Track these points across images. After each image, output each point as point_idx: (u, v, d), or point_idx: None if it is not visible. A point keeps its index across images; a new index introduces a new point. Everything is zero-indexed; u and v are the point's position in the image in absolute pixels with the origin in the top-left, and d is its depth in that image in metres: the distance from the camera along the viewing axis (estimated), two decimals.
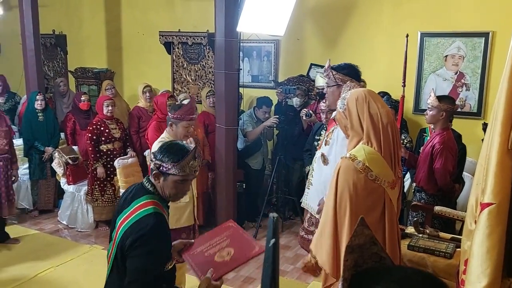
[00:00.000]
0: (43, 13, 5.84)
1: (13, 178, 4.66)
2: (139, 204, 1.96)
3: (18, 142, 5.43)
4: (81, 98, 5.49)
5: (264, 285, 1.19)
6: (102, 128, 4.93)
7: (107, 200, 5.02)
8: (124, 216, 1.96)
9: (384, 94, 4.69)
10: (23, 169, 5.39)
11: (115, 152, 4.99)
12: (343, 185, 2.11)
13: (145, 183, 2.05)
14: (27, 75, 5.85)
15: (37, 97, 5.30)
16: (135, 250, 1.84)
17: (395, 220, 2.23)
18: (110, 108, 4.94)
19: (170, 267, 2.08)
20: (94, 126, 4.90)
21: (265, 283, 1.17)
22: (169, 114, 3.41)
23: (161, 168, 1.96)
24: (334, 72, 2.89)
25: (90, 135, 4.87)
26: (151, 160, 2.03)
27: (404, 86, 3.86)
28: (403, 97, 3.90)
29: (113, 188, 5.04)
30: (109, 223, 5.01)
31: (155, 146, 3.28)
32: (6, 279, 4.01)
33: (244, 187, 5.03)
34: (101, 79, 6.74)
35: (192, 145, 2.08)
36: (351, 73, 2.90)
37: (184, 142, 3.22)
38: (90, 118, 5.41)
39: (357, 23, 5.23)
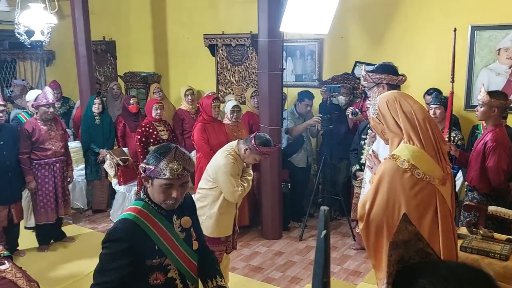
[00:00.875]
0: (93, 21, 6.10)
1: (69, 179, 4.90)
2: (125, 210, 2.00)
3: (72, 144, 5.71)
4: (130, 101, 5.69)
5: (316, 275, 1.23)
6: (150, 130, 5.08)
7: None
8: None
9: (433, 90, 4.55)
10: (77, 170, 5.66)
11: None
12: (389, 187, 2.06)
13: (143, 189, 2.01)
14: (80, 81, 6.12)
15: (95, 101, 5.55)
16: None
17: (450, 218, 2.15)
18: (158, 111, 5.09)
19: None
20: (143, 128, 5.06)
21: (317, 272, 1.22)
22: (254, 142, 3.23)
23: (146, 171, 1.90)
24: (371, 74, 2.95)
25: (139, 137, 5.03)
26: None
27: (453, 82, 3.73)
28: (452, 93, 3.77)
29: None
30: None
31: (224, 160, 3.25)
32: (63, 276, 4.23)
33: (289, 187, 5.02)
34: (148, 83, 6.96)
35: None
36: (386, 70, 2.95)
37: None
38: (139, 120, 5.59)
39: (404, 18, 5.09)
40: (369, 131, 4.35)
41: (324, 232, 1.18)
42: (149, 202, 1.95)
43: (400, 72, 3.08)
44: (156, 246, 1.90)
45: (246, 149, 3.29)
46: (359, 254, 4.53)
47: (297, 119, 5.29)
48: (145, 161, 1.92)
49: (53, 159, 4.63)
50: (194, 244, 2.07)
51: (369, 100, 4.20)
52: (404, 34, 5.10)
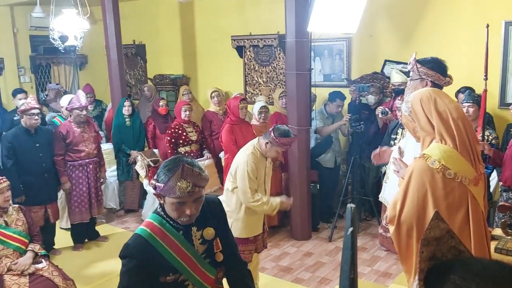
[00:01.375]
0: (124, 25, 6.23)
1: (101, 180, 5.02)
2: (143, 222, 1.94)
3: (104, 146, 5.86)
4: (159, 104, 5.80)
5: (343, 271, 1.25)
6: (180, 132, 5.15)
7: None
8: None
9: (466, 89, 4.45)
10: (110, 171, 5.80)
11: (192, 154, 5.19)
12: (419, 187, 2.02)
13: (160, 203, 1.90)
14: (111, 84, 6.26)
15: (125, 103, 5.67)
16: None
17: (482, 220, 2.10)
18: (187, 112, 5.17)
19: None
20: (173, 130, 5.14)
21: (344, 269, 1.24)
22: (273, 135, 3.24)
23: (156, 188, 1.79)
24: (418, 65, 2.78)
25: (169, 138, 5.11)
26: None
27: (486, 79, 3.63)
28: (485, 91, 3.66)
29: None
30: None
31: (245, 157, 3.28)
32: (97, 274, 4.34)
33: (318, 188, 5.00)
34: (178, 85, 7.07)
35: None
36: (436, 67, 2.77)
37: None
38: (168, 122, 5.68)
39: (434, 15, 4.99)
40: (399, 130, 4.29)
41: (351, 229, 1.20)
42: (165, 217, 1.86)
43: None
44: (170, 263, 1.84)
45: (267, 143, 3.31)
46: (389, 255, 4.46)
47: (326, 119, 5.26)
48: (155, 177, 1.81)
49: (87, 160, 4.76)
50: (218, 256, 1.96)
51: (399, 99, 4.14)
52: (434, 31, 4.99)
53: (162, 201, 1.83)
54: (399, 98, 4.16)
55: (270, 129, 3.33)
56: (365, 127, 4.94)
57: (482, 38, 3.68)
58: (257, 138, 3.43)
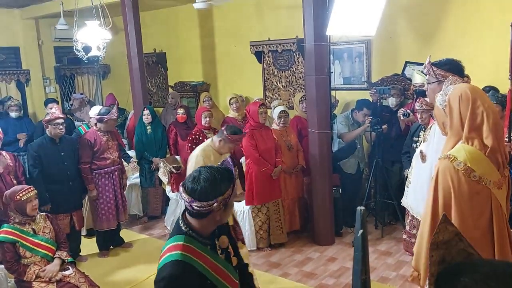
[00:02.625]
0: (145, 34, 6.34)
1: (124, 186, 5.11)
2: (168, 246, 1.78)
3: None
4: (178, 112, 5.86)
5: (355, 272, 1.26)
6: (200, 138, 5.19)
7: None
8: (158, 260, 1.80)
9: (490, 88, 4.35)
10: (133, 179, 5.88)
11: None
12: (444, 189, 1.99)
13: (179, 220, 1.82)
14: (133, 92, 6.37)
15: (144, 111, 5.74)
16: None
17: (505, 223, 2.05)
18: (207, 119, 5.21)
19: None
20: (194, 136, 5.18)
21: (356, 269, 1.24)
22: (226, 133, 3.71)
23: (208, 208, 1.72)
24: (434, 68, 2.75)
25: (190, 145, 5.15)
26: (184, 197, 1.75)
27: (511, 79, 3.55)
28: (510, 91, 3.58)
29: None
30: None
31: (196, 152, 3.70)
32: (122, 280, 4.39)
33: (340, 192, 4.95)
34: (198, 92, 7.14)
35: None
36: (452, 68, 2.73)
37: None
38: (190, 129, 5.72)
39: (455, 14, 4.91)
40: (420, 132, 4.22)
41: (361, 231, 1.20)
42: (191, 233, 1.79)
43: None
44: (208, 281, 1.80)
45: (220, 141, 3.74)
46: None
47: (351, 125, 5.21)
48: (181, 188, 1.78)
49: (112, 167, 4.85)
50: (233, 260, 1.96)
51: (418, 102, 4.08)
52: (456, 30, 4.91)
53: (201, 220, 1.78)
54: (418, 100, 4.10)
55: (223, 128, 3.78)
56: (387, 130, 4.88)
57: (505, 37, 3.61)
58: (210, 138, 3.88)
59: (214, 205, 1.72)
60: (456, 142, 2.08)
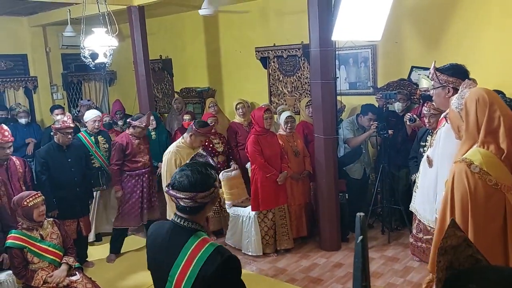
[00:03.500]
0: (151, 41, 6.38)
1: (154, 187, 5.25)
2: (195, 246, 1.71)
3: None
4: (184, 117, 5.88)
5: (355, 278, 1.26)
6: (206, 143, 5.21)
7: (213, 211, 5.27)
8: (181, 269, 1.71)
9: (497, 92, 4.33)
10: None
11: (219, 166, 5.23)
12: (461, 193, 1.96)
13: (182, 222, 1.76)
14: (139, 98, 6.41)
15: None
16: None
17: None
18: (213, 124, 5.22)
19: None
20: None
21: (356, 276, 1.26)
22: (194, 127, 4.02)
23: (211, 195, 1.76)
24: (438, 74, 2.78)
25: None
26: (205, 196, 1.74)
27: None
28: None
29: (218, 200, 5.28)
30: (215, 233, 5.27)
31: (170, 149, 4.07)
32: (129, 286, 4.40)
33: (346, 197, 4.94)
34: (204, 97, 7.16)
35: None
36: (456, 73, 2.76)
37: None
38: None
39: (461, 18, 4.90)
40: (428, 137, 4.21)
41: (360, 237, 1.21)
42: (200, 228, 1.82)
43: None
44: None
45: (191, 135, 4.08)
46: (422, 266, 4.35)
47: (357, 130, 5.20)
48: (170, 187, 1.79)
49: (143, 170, 5.00)
50: None
51: (426, 106, 4.07)
52: (462, 34, 4.90)
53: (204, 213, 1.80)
54: (425, 105, 4.09)
55: (192, 124, 4.08)
56: (393, 135, 4.87)
57: (511, 41, 3.60)
58: (182, 135, 4.21)
59: (213, 192, 1.74)
60: (471, 146, 2.06)
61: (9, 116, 6.75)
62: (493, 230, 1.98)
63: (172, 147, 4.17)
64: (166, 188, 1.76)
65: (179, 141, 4.19)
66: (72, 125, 4.56)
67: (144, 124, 4.93)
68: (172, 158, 4.04)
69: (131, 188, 4.93)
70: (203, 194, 1.72)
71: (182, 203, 1.73)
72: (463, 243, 1.07)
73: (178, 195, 1.71)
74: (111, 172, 4.94)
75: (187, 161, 1.90)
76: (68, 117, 4.62)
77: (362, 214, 1.23)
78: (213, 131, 5.24)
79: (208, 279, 1.65)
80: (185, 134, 4.12)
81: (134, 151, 4.90)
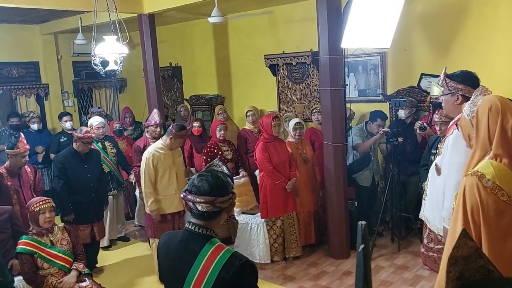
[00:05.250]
0: (161, 48, 6.43)
1: None
2: (210, 253, 1.69)
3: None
4: (194, 125, 5.91)
5: (357, 287, 1.24)
6: (215, 151, 5.22)
7: None
8: (197, 277, 1.68)
9: (509, 100, 4.29)
10: None
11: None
12: (472, 207, 1.87)
13: (197, 229, 1.74)
14: (149, 105, 6.44)
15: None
16: None
17: None
18: (222, 132, 5.24)
19: None
20: (209, 149, 5.22)
21: (358, 285, 1.23)
22: (173, 130, 4.28)
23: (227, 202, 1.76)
24: (448, 80, 2.76)
25: (205, 157, 5.19)
26: (223, 201, 1.73)
27: None
28: None
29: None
30: (224, 240, 5.26)
31: (148, 150, 4.35)
32: None
33: (355, 205, 4.91)
34: (213, 105, 7.18)
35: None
36: (466, 80, 2.74)
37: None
38: (205, 141, 5.76)
39: (471, 25, 4.88)
40: (439, 145, 4.18)
41: (362, 246, 1.19)
42: (215, 235, 1.81)
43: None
44: None
45: (170, 138, 4.31)
46: (433, 275, 4.30)
47: (366, 137, 5.18)
48: (187, 192, 1.78)
49: None
50: None
51: (437, 113, 4.04)
52: (472, 41, 4.88)
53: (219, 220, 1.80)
54: (437, 112, 4.06)
55: (170, 127, 4.34)
56: (403, 142, 4.84)
57: None
58: (161, 137, 4.45)
59: (231, 198, 1.74)
60: (482, 156, 1.98)
61: (20, 123, 6.81)
62: (508, 247, 1.90)
63: (151, 148, 4.39)
64: (183, 194, 1.76)
65: (158, 142, 4.42)
66: (94, 135, 4.64)
67: (155, 121, 5.03)
68: (150, 158, 4.29)
69: None
70: (222, 199, 1.72)
71: (199, 208, 1.71)
72: (474, 253, 1.05)
73: (196, 199, 1.70)
74: (134, 175, 5.10)
75: (203, 170, 1.89)
76: (92, 132, 4.71)
77: (363, 222, 1.22)
78: (221, 138, 5.25)
79: (226, 285, 1.64)
80: (164, 137, 4.39)
81: None
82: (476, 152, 2.00)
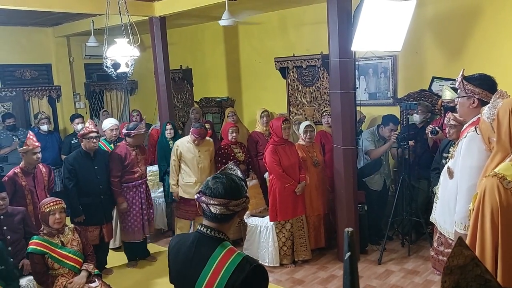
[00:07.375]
0: (171, 51, 6.47)
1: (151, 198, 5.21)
2: (222, 256, 1.68)
3: (153, 168, 6.06)
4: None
5: None
6: (228, 152, 5.24)
7: None
8: (208, 280, 1.68)
9: None
10: (159, 193, 5.93)
11: None
12: (492, 209, 1.86)
13: (209, 232, 1.72)
14: (160, 107, 6.48)
15: (167, 126, 5.81)
16: None
17: None
18: (234, 134, 5.26)
19: None
20: (222, 151, 5.24)
21: None
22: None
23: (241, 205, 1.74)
24: (465, 83, 2.69)
25: (219, 158, 5.21)
26: (234, 204, 1.70)
27: None
28: None
29: None
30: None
31: (176, 142, 5.17)
32: None
33: (365, 209, 4.88)
34: (223, 107, 7.20)
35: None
36: (483, 84, 2.66)
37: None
38: (214, 144, 5.76)
39: (483, 29, 4.84)
40: (450, 148, 4.14)
41: (348, 254, 1.17)
42: (227, 238, 1.79)
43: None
44: None
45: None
46: None
47: (377, 141, 5.15)
48: (201, 194, 1.76)
49: (140, 181, 4.94)
50: None
51: (446, 117, 4.01)
52: (484, 44, 4.84)
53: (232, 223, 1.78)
54: (447, 114, 4.03)
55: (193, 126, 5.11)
56: (414, 146, 4.80)
57: None
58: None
59: (245, 202, 1.73)
60: (502, 158, 1.96)
61: (16, 123, 6.76)
62: None
63: (179, 141, 5.23)
64: (197, 195, 1.75)
65: (187, 137, 5.19)
66: (94, 129, 4.62)
67: (143, 130, 4.95)
68: (176, 148, 5.12)
69: (130, 200, 4.86)
70: (236, 202, 1.70)
71: (213, 210, 1.69)
72: (470, 262, 1.03)
73: (210, 201, 1.69)
74: (112, 184, 4.74)
75: (217, 172, 1.88)
76: (90, 122, 4.71)
77: (350, 229, 1.20)
78: (233, 140, 5.27)
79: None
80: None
81: (132, 161, 4.82)
82: (497, 154, 1.98)
